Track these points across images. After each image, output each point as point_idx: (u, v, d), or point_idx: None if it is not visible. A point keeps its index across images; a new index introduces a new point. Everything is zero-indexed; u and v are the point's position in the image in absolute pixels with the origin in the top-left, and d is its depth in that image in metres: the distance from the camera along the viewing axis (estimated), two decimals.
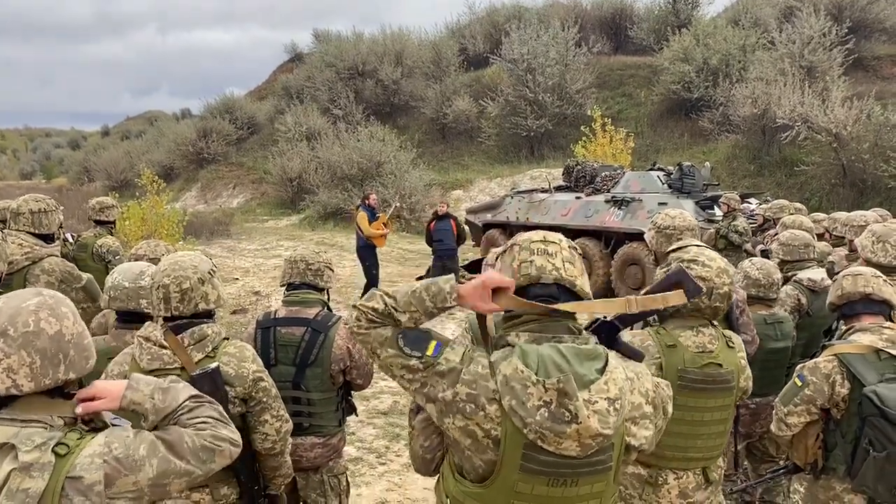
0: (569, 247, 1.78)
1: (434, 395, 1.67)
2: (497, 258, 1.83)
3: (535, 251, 1.73)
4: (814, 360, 2.91)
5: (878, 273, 2.98)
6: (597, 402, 1.59)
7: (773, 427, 3.01)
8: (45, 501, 1.42)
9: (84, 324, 1.67)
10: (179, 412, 1.68)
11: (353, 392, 3.40)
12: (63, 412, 1.60)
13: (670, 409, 1.82)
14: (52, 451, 1.47)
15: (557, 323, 1.71)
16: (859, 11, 22.91)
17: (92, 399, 1.64)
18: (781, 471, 3.26)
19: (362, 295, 8.96)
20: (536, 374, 1.60)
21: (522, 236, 1.77)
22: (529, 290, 1.72)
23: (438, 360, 1.67)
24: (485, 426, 1.61)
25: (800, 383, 2.87)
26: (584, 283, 1.74)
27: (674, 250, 2.75)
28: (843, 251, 5.13)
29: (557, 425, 1.56)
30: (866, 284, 2.89)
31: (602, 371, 1.64)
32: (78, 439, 1.52)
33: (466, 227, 11.99)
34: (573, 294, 1.73)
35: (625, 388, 1.66)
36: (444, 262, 10.56)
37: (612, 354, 1.72)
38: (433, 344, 1.70)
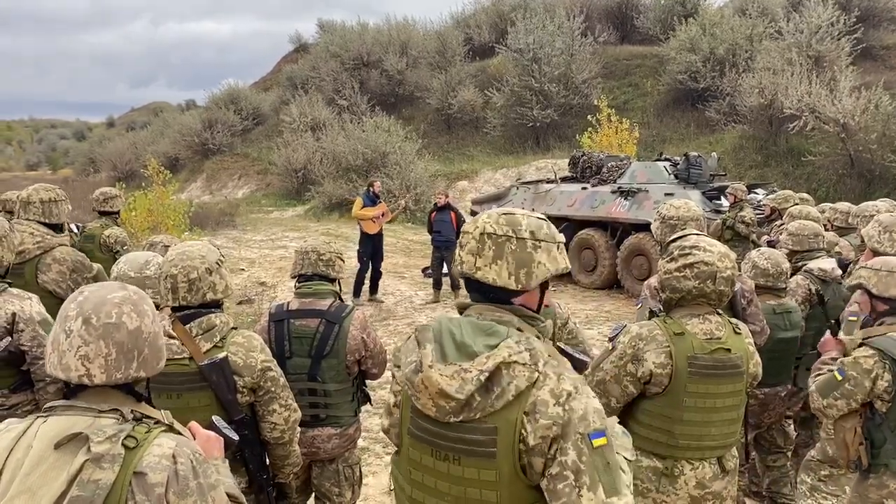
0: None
1: None
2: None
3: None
4: (854, 353, 2.91)
5: None
6: (469, 371, 1.53)
7: (813, 409, 3.05)
8: (114, 493, 1.42)
9: (160, 325, 1.66)
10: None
11: (366, 382, 3.40)
12: (131, 408, 1.58)
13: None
14: (122, 443, 1.46)
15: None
16: (868, 0, 22.72)
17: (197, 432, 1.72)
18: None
19: (356, 287, 9.05)
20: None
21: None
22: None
23: None
24: (395, 389, 1.74)
25: (840, 378, 2.87)
26: None
27: (674, 239, 2.78)
28: (853, 239, 5.11)
29: (414, 375, 1.60)
30: None
31: (493, 348, 1.55)
32: (146, 433, 1.51)
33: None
34: None
35: (519, 374, 1.52)
36: (441, 253, 10.54)
37: (531, 343, 1.57)
38: None
